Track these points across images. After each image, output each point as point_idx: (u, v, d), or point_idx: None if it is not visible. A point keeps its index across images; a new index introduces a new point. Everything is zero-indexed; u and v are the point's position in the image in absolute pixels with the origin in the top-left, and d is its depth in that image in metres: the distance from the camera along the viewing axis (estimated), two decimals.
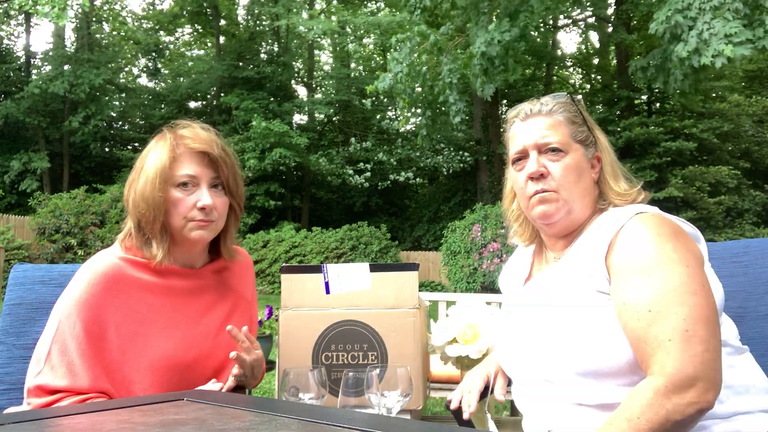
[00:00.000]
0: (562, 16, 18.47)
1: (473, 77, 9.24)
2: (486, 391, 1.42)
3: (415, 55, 9.80)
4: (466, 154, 16.64)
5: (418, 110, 10.96)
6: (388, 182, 17.01)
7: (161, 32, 23.68)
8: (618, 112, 17.31)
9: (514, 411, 2.82)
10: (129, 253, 1.36)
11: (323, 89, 22.17)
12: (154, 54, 23.25)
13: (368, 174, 16.80)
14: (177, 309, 1.37)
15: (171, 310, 1.36)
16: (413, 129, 12.23)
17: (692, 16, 7.03)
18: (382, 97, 16.36)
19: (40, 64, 20.09)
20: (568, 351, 1.13)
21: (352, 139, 18.50)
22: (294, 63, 22.29)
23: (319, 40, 22.00)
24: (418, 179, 17.59)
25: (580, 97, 1.34)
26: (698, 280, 1.08)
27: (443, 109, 10.64)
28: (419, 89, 10.41)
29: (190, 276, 1.42)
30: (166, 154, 1.33)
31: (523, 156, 1.28)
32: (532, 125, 1.27)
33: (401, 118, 11.20)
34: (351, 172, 16.98)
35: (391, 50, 10.43)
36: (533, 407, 1.23)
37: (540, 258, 1.37)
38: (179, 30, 24.55)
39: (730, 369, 1.13)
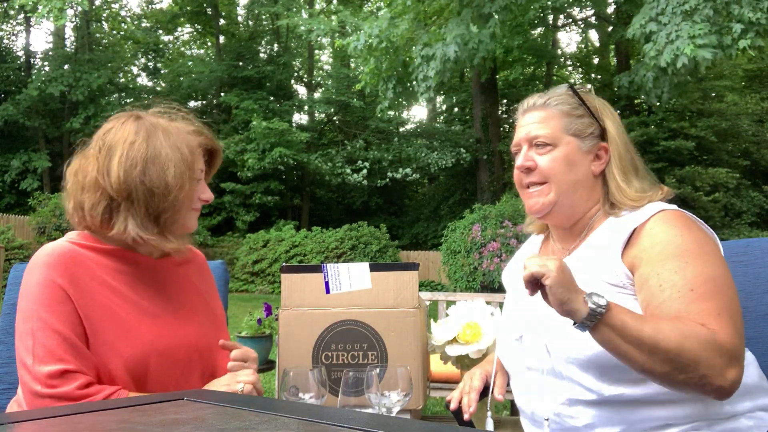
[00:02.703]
0: (562, 16, 18.47)
1: (426, 58, 9.23)
2: (486, 391, 1.42)
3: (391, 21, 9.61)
4: (461, 150, 16.59)
5: (383, 82, 10.54)
6: (387, 180, 17.00)
7: (160, 32, 23.66)
8: (618, 111, 17.28)
9: (514, 411, 2.83)
10: (87, 240, 1.30)
11: (323, 89, 22.16)
12: (153, 53, 23.23)
13: (365, 171, 16.78)
14: (143, 297, 1.31)
15: (137, 297, 1.30)
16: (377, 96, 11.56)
17: (665, 21, 7.17)
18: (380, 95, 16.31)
19: (40, 64, 20.08)
20: (571, 342, 1.12)
21: (346, 141, 18.47)
22: (294, 63, 22.28)
23: (319, 39, 21.99)
24: (415, 175, 17.54)
25: (589, 86, 1.32)
26: (729, 276, 1.09)
27: (411, 83, 10.50)
28: (387, 58, 10.15)
29: (152, 264, 1.36)
30: (191, 153, 1.31)
31: (519, 150, 1.31)
32: (528, 119, 1.30)
33: (361, 81, 10.62)
34: (349, 171, 16.96)
35: (370, 12, 10.20)
36: (534, 400, 1.22)
37: (546, 252, 1.37)
38: (179, 29, 24.54)
39: None
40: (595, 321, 1.00)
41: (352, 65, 22.35)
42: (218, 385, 1.32)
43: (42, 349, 1.18)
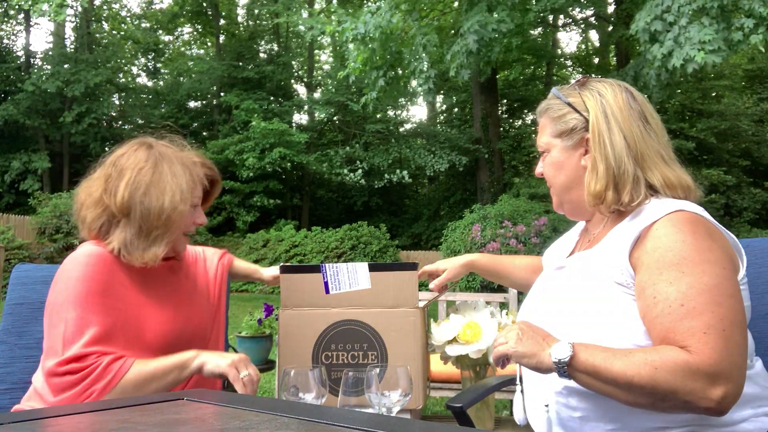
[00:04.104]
0: (562, 16, 18.46)
1: (452, 56, 9.05)
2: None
3: (390, 15, 9.40)
4: (455, 153, 16.55)
5: (375, 70, 10.17)
6: (385, 181, 16.97)
7: (160, 31, 23.67)
8: None
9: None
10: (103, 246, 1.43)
11: (323, 89, 22.16)
12: (153, 53, 23.24)
13: (360, 172, 16.75)
14: (155, 292, 1.48)
15: (151, 292, 1.46)
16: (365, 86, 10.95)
17: (670, 21, 7.05)
18: (384, 100, 16.20)
19: (40, 63, 20.07)
20: (578, 336, 1.12)
21: (346, 142, 18.44)
22: (294, 63, 22.28)
23: (319, 39, 21.99)
24: (408, 179, 17.43)
25: (576, 79, 1.30)
26: (733, 284, 1.06)
27: (403, 76, 10.31)
28: (380, 47, 9.83)
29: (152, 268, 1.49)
30: (192, 180, 1.46)
31: None
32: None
33: (349, 69, 10.19)
34: (346, 171, 16.93)
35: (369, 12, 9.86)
36: (536, 384, 1.23)
37: (583, 237, 1.37)
38: (179, 29, 24.56)
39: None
40: (563, 371, 1.05)
41: (351, 63, 22.38)
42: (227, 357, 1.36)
43: (72, 336, 1.28)
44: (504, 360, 1.14)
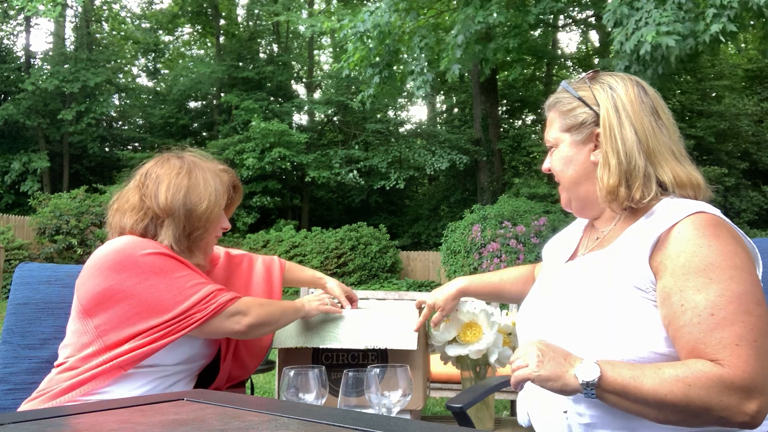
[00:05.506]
0: (562, 16, 18.46)
1: (448, 50, 9.00)
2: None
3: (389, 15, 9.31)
4: (455, 151, 16.53)
5: (371, 68, 10.07)
6: (383, 182, 16.94)
7: (160, 32, 23.67)
8: None
9: (513, 411, 2.82)
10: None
11: (323, 89, 22.16)
12: (153, 54, 23.23)
13: (355, 172, 16.71)
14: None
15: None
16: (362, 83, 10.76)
17: (638, 6, 6.91)
18: (381, 97, 16.11)
19: (39, 64, 20.08)
20: (593, 340, 1.10)
21: (345, 142, 18.39)
22: (294, 63, 22.28)
23: (319, 39, 21.99)
24: (408, 181, 17.37)
25: (585, 74, 1.28)
26: (759, 290, 1.03)
27: (399, 72, 10.27)
28: (377, 47, 9.78)
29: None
30: (222, 186, 1.58)
31: None
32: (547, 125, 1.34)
33: (344, 64, 10.06)
34: (344, 171, 16.90)
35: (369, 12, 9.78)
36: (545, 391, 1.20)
37: (589, 235, 1.34)
38: (179, 30, 24.55)
39: None
40: (591, 393, 1.02)
41: (348, 59, 22.35)
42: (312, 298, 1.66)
43: (187, 291, 1.41)
44: (522, 383, 1.09)
